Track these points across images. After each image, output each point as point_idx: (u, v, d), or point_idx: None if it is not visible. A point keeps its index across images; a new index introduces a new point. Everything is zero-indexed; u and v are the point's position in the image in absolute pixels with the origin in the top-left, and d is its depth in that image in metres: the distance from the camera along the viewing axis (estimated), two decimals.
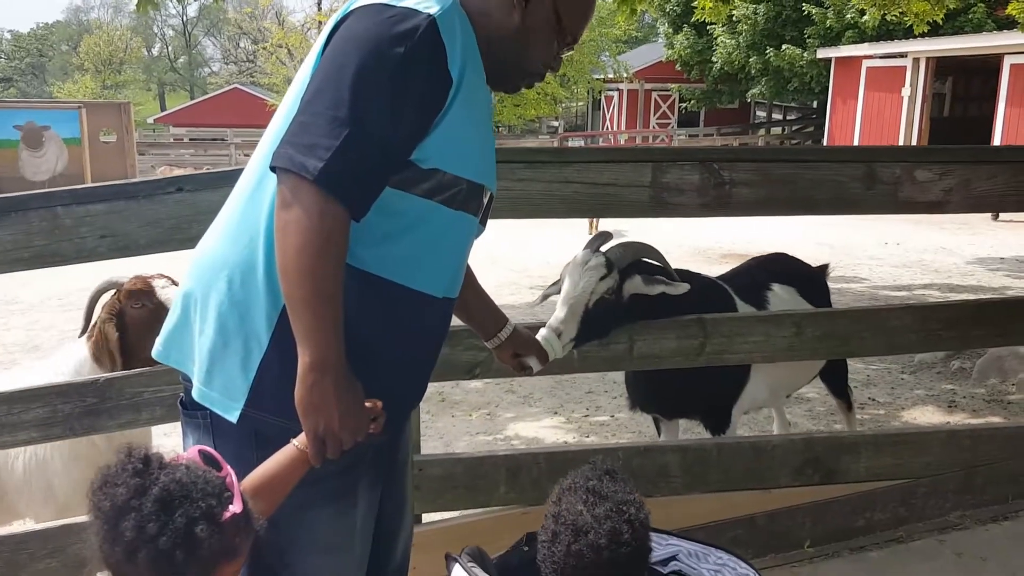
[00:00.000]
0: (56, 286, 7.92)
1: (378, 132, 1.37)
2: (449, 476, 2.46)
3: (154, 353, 1.59)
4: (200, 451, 1.29)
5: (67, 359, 2.54)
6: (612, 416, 4.15)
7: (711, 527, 2.65)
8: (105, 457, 2.45)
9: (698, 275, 2.83)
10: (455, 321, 1.83)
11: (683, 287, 2.47)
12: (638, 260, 2.51)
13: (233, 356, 1.45)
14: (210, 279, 1.49)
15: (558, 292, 2.52)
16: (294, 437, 1.41)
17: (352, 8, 1.46)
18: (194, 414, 1.52)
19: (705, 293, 2.77)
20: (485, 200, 1.59)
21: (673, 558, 1.54)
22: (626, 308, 2.46)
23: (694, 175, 2.43)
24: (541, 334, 2.02)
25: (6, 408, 2.18)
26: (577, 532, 1.35)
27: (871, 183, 2.53)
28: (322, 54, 1.44)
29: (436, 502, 2.51)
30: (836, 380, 3.50)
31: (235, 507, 1.22)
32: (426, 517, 2.62)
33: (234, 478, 1.26)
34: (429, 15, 1.40)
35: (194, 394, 1.49)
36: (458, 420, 4.17)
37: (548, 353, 2.04)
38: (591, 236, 2.59)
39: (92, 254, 2.19)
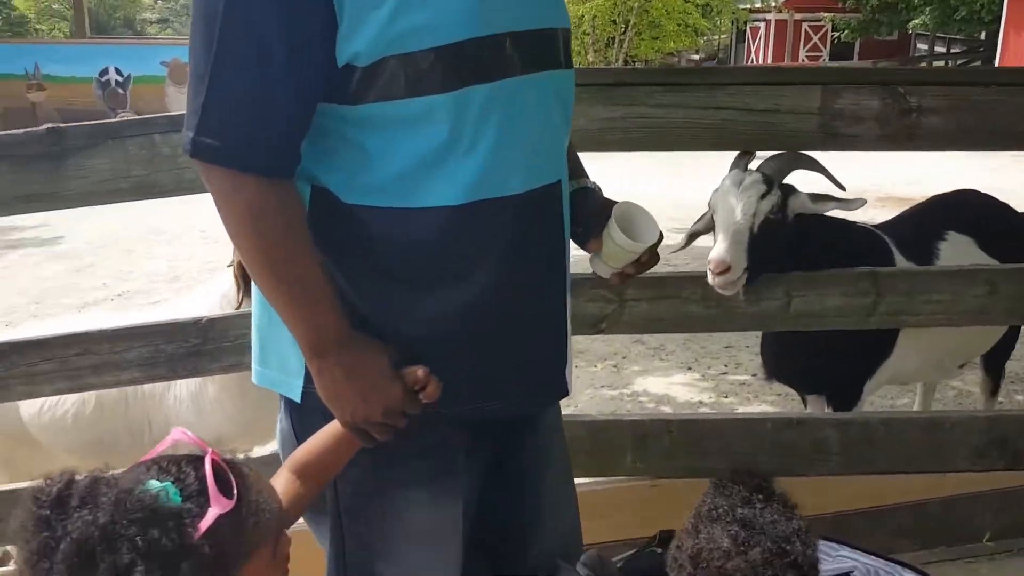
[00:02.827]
0: (200, 218, 8.11)
1: (249, 67, 1.07)
2: (570, 440, 2.19)
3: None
4: (184, 432, 1.05)
5: (215, 289, 2.45)
6: (754, 375, 3.78)
7: (873, 513, 2.31)
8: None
9: (849, 223, 2.41)
10: (574, 269, 1.52)
11: (859, 202, 2.09)
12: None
13: (280, 329, 1.24)
14: None
15: (705, 230, 2.19)
16: None
17: None
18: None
19: (856, 243, 2.35)
20: (511, 50, 1.15)
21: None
22: (793, 233, 2.10)
23: (873, 100, 2.02)
24: None
25: (109, 346, 2.07)
26: None
27: None
28: None
29: None
30: (997, 353, 2.91)
31: (214, 512, 0.95)
32: None
33: (209, 471, 0.97)
34: None
35: (253, 377, 1.33)
36: (581, 371, 3.90)
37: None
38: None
39: (193, 186, 2.02)
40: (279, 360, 1.29)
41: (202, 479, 0.97)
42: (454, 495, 1.32)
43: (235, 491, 0.98)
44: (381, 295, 1.21)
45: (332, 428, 1.22)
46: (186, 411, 2.43)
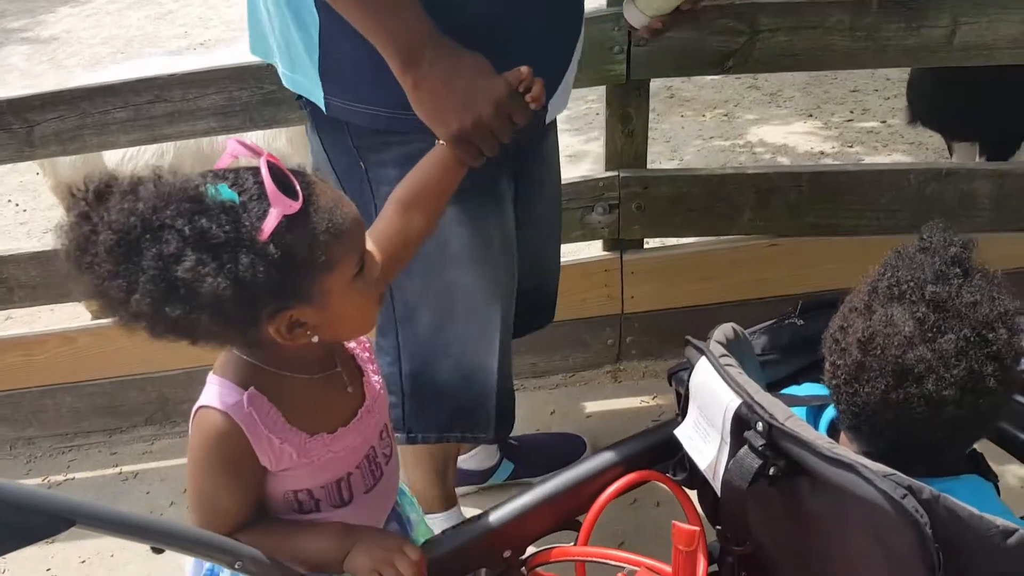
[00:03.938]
0: None
1: None
2: (681, 196, 1.99)
3: (250, 49, 1.34)
4: (239, 141, 0.94)
5: None
6: (883, 122, 3.39)
7: (1021, 273, 2.07)
8: None
9: None
10: None
11: None
12: None
13: (293, 33, 1.15)
14: None
15: None
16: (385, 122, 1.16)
17: None
18: (301, 103, 1.29)
19: None
20: None
21: None
22: None
23: None
24: None
25: (181, 92, 1.92)
26: (903, 375, 0.83)
27: None
28: None
29: (662, 226, 2.08)
30: None
31: (276, 211, 0.86)
32: (650, 242, 2.21)
33: (266, 172, 0.87)
34: None
35: (284, 81, 1.24)
36: (688, 120, 3.59)
37: None
38: None
39: None
40: (302, 66, 1.19)
41: (261, 183, 0.87)
42: (493, 213, 1.28)
43: (299, 193, 0.88)
44: None
45: (435, 154, 1.09)
46: None
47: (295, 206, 0.87)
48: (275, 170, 0.88)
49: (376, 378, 1.12)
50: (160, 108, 1.92)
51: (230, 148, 0.92)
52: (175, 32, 5.95)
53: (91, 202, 0.85)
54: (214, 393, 0.98)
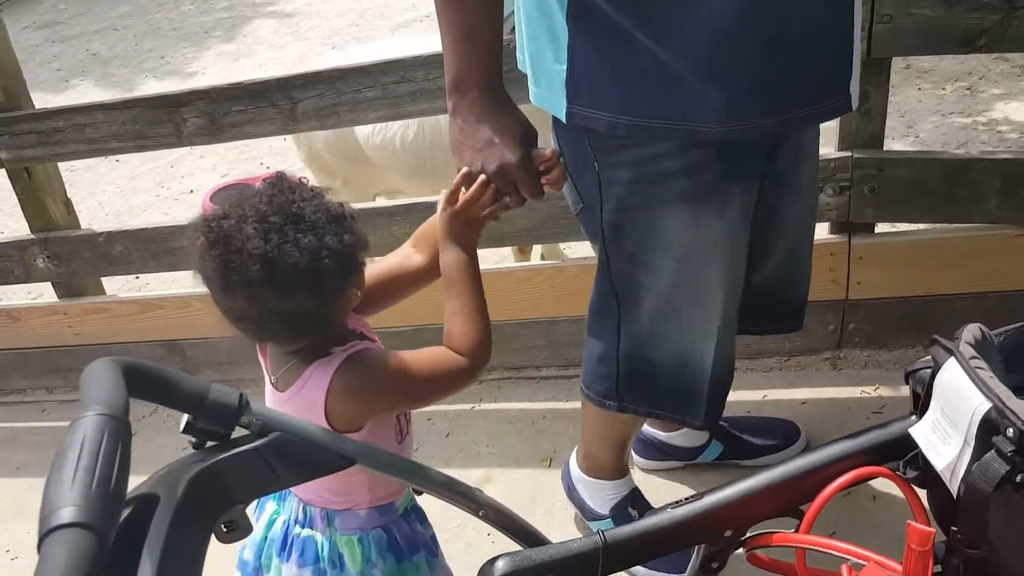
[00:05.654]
0: None
1: None
2: (919, 181, 1.90)
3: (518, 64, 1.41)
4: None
5: None
6: None
7: None
8: None
9: None
10: None
11: None
12: None
13: (545, 47, 1.24)
14: None
15: None
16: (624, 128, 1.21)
17: None
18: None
19: None
20: None
21: None
22: None
23: None
24: None
25: (424, 72, 2.06)
26: None
27: None
28: None
29: (897, 211, 1.99)
30: None
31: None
32: (881, 227, 2.12)
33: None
34: None
35: (531, 98, 1.33)
36: (925, 95, 3.36)
37: None
38: None
39: None
40: (547, 79, 1.26)
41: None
42: (716, 215, 1.29)
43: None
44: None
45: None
46: None
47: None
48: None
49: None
50: (405, 87, 2.07)
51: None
52: (404, 4, 6.28)
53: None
54: (327, 362, 1.09)
